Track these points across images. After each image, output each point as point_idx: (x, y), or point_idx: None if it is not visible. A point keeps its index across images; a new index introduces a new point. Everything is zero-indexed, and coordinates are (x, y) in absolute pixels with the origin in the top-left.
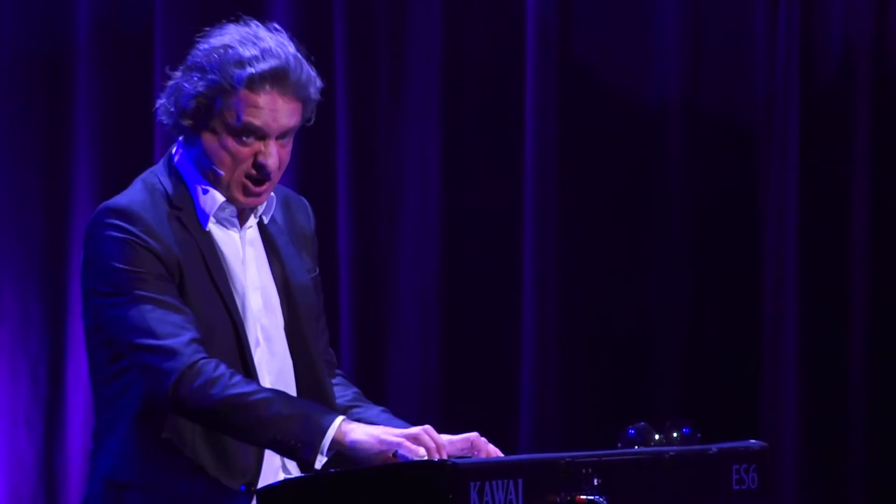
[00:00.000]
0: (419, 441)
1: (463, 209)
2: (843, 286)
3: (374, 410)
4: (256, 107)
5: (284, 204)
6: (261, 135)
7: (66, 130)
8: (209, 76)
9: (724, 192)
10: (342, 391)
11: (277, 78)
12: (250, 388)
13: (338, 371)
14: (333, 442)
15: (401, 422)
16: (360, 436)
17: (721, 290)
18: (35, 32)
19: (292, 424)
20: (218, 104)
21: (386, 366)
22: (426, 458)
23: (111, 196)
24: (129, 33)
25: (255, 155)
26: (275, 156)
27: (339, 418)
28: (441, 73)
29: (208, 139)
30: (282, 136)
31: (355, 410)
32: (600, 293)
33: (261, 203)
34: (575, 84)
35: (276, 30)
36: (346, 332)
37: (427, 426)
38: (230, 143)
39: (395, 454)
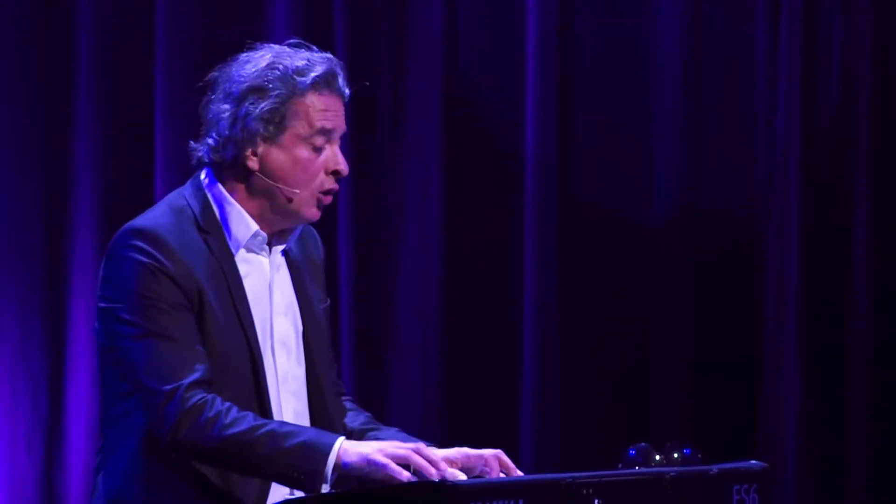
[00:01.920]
0: (408, 462)
1: (463, 230)
2: (845, 298)
3: (389, 432)
4: (326, 109)
5: (298, 233)
6: (330, 138)
7: (67, 147)
8: (273, 92)
9: (725, 203)
10: (354, 416)
11: (332, 78)
12: (246, 425)
13: (347, 397)
14: (334, 467)
15: (414, 440)
16: (351, 457)
17: (721, 307)
18: (35, 45)
19: (293, 457)
20: (288, 117)
21: (387, 387)
22: (412, 479)
23: (111, 215)
24: (130, 43)
25: (326, 164)
26: (344, 161)
27: (339, 441)
28: (442, 92)
29: (279, 158)
30: (341, 135)
31: (371, 433)
32: (601, 313)
33: (318, 218)
34: (576, 87)
35: (300, 44)
36: (347, 354)
37: (418, 445)
38: (303, 155)
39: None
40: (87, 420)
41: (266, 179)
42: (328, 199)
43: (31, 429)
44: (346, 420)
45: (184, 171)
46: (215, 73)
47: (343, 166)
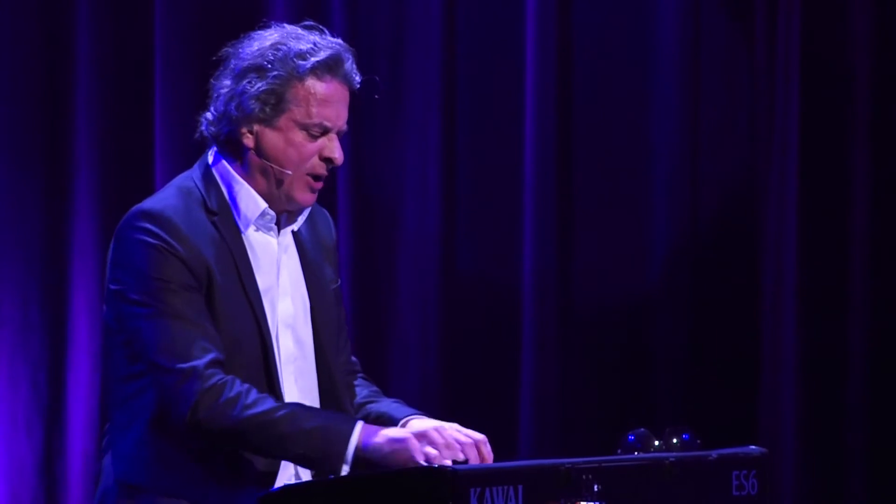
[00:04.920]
0: (427, 438)
1: (462, 217)
2: (843, 291)
3: (388, 402)
4: (324, 99)
5: (308, 215)
6: (327, 128)
7: (66, 135)
8: (271, 73)
9: (724, 197)
10: (361, 390)
11: (337, 65)
12: (268, 405)
13: (360, 375)
14: (356, 449)
15: (412, 409)
16: (374, 438)
17: (720, 295)
18: (34, 38)
19: (314, 438)
20: (285, 100)
21: (386, 372)
22: (433, 456)
23: (112, 200)
24: (129, 35)
25: (320, 151)
26: (339, 149)
27: (359, 425)
28: (441, 80)
29: (273, 138)
30: (339, 132)
31: (369, 405)
32: (600, 299)
33: (313, 203)
34: (576, 76)
35: (313, 26)
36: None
37: (440, 425)
38: (298, 139)
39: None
40: (87, 405)
41: (260, 158)
42: (318, 185)
43: (32, 414)
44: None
45: (183, 154)
46: (228, 49)
47: (338, 155)
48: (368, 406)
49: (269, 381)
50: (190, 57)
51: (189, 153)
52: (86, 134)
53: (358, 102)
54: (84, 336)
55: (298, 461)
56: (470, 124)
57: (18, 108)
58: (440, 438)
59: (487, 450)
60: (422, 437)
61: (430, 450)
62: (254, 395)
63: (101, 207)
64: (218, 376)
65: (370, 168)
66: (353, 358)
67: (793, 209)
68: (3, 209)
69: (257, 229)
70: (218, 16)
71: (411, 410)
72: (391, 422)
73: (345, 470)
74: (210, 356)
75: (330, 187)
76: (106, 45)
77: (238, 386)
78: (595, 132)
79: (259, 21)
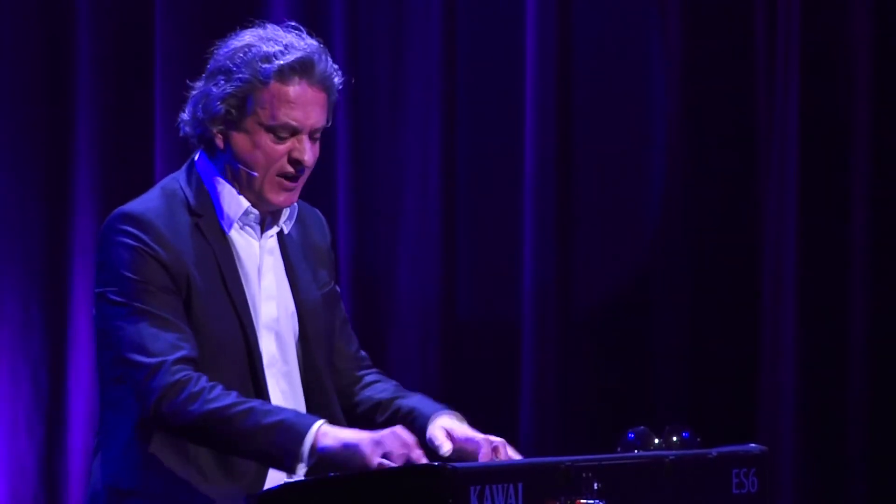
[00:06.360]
0: (381, 444)
1: (463, 214)
2: (842, 289)
3: (415, 397)
4: (289, 101)
5: (299, 218)
6: (294, 130)
7: (67, 133)
8: (237, 76)
9: (724, 196)
10: (383, 385)
11: (305, 68)
12: (229, 400)
13: (372, 370)
14: (311, 448)
15: (439, 405)
16: (328, 441)
17: (720, 295)
18: (35, 38)
19: (271, 434)
20: (250, 103)
21: (386, 371)
22: (384, 464)
23: (112, 198)
24: (129, 35)
25: (290, 152)
26: (309, 151)
27: (317, 423)
28: (441, 80)
29: (240, 141)
30: (313, 132)
31: (397, 401)
32: (600, 297)
33: (291, 203)
34: (575, 86)
35: (293, 27)
36: None
37: (396, 428)
38: (265, 141)
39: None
40: (87, 404)
41: (230, 160)
42: (291, 185)
43: (32, 412)
44: (372, 392)
45: (183, 154)
46: (213, 48)
47: (307, 157)
48: (398, 401)
49: (256, 383)
50: (190, 56)
51: (189, 153)
52: (86, 134)
53: (358, 102)
54: (84, 335)
55: (257, 458)
56: (470, 124)
57: (18, 108)
58: (396, 442)
59: (504, 451)
60: (377, 443)
61: (383, 458)
62: (218, 391)
63: (101, 207)
64: (184, 372)
65: (370, 168)
66: (363, 353)
67: (793, 209)
68: (4, 208)
69: (241, 228)
70: (218, 15)
71: (439, 406)
72: (421, 418)
73: (301, 469)
74: (180, 353)
75: (330, 187)
76: (106, 44)
77: (203, 382)
78: (595, 132)
79: (261, 17)
